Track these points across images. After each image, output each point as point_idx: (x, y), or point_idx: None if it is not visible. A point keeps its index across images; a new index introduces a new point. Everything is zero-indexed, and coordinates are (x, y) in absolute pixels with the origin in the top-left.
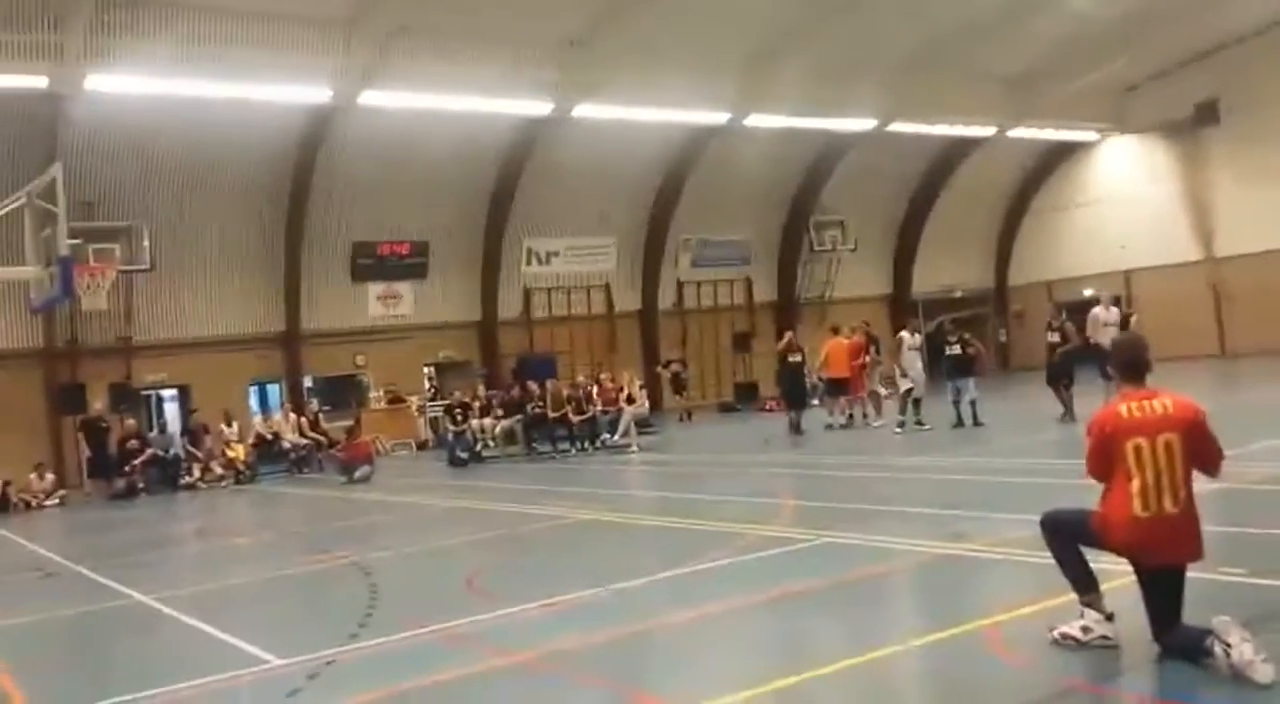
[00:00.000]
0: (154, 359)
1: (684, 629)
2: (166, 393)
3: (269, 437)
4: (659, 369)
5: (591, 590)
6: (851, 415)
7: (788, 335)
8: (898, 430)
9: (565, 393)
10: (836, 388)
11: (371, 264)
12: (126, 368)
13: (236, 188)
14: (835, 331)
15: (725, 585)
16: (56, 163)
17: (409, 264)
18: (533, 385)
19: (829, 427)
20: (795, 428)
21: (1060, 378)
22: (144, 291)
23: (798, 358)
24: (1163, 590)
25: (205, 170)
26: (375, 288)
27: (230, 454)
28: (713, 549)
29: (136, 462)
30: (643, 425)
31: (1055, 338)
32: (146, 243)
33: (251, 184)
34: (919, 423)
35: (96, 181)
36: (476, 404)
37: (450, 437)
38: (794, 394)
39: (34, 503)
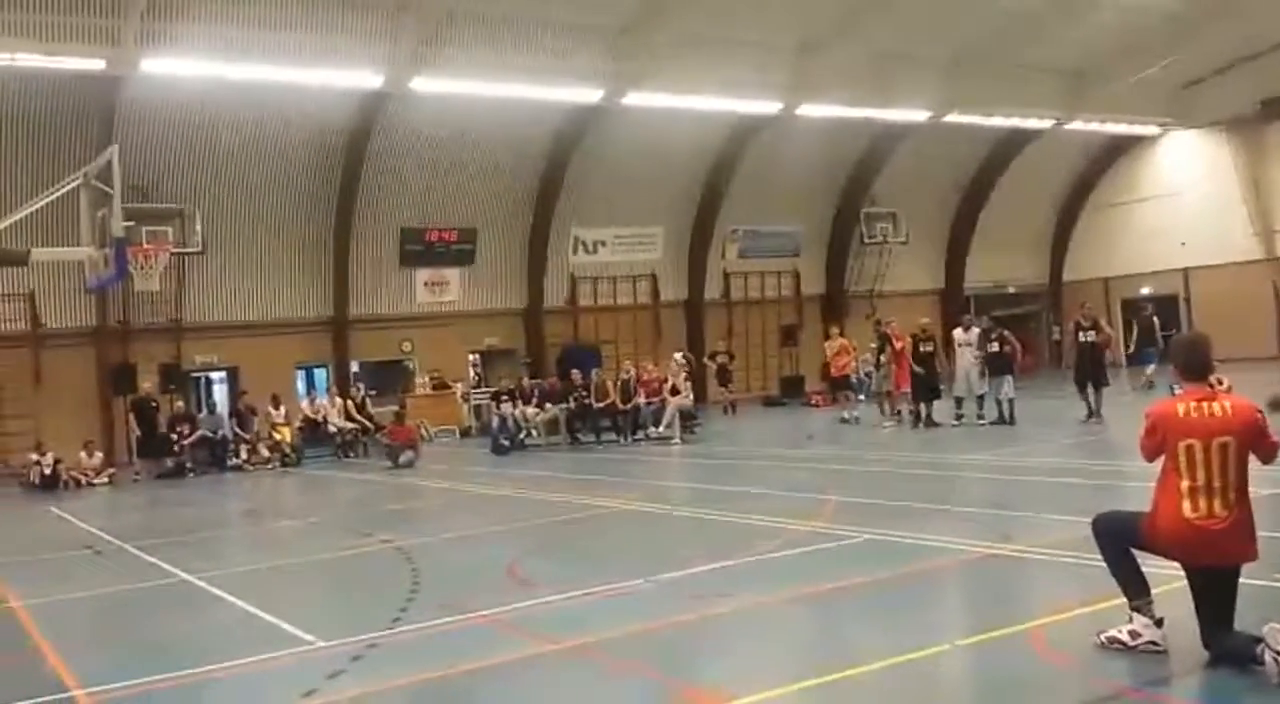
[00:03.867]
0: (204, 341)
1: (725, 622)
2: (215, 375)
3: (316, 420)
4: (705, 360)
5: (633, 580)
6: (900, 413)
7: (925, 322)
8: (953, 424)
9: (610, 382)
10: (836, 384)
11: (419, 250)
12: (176, 349)
13: (287, 173)
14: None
15: (767, 580)
16: (113, 145)
17: (456, 251)
18: (576, 374)
19: (843, 421)
20: (920, 420)
21: (1088, 379)
22: (195, 274)
23: (929, 348)
24: (1213, 594)
25: (257, 155)
26: (422, 274)
27: (277, 436)
28: (755, 543)
29: (185, 442)
30: (687, 418)
31: (1088, 337)
32: (198, 226)
33: (302, 169)
34: (980, 417)
35: (151, 164)
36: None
37: (495, 424)
38: (924, 385)
39: (83, 481)
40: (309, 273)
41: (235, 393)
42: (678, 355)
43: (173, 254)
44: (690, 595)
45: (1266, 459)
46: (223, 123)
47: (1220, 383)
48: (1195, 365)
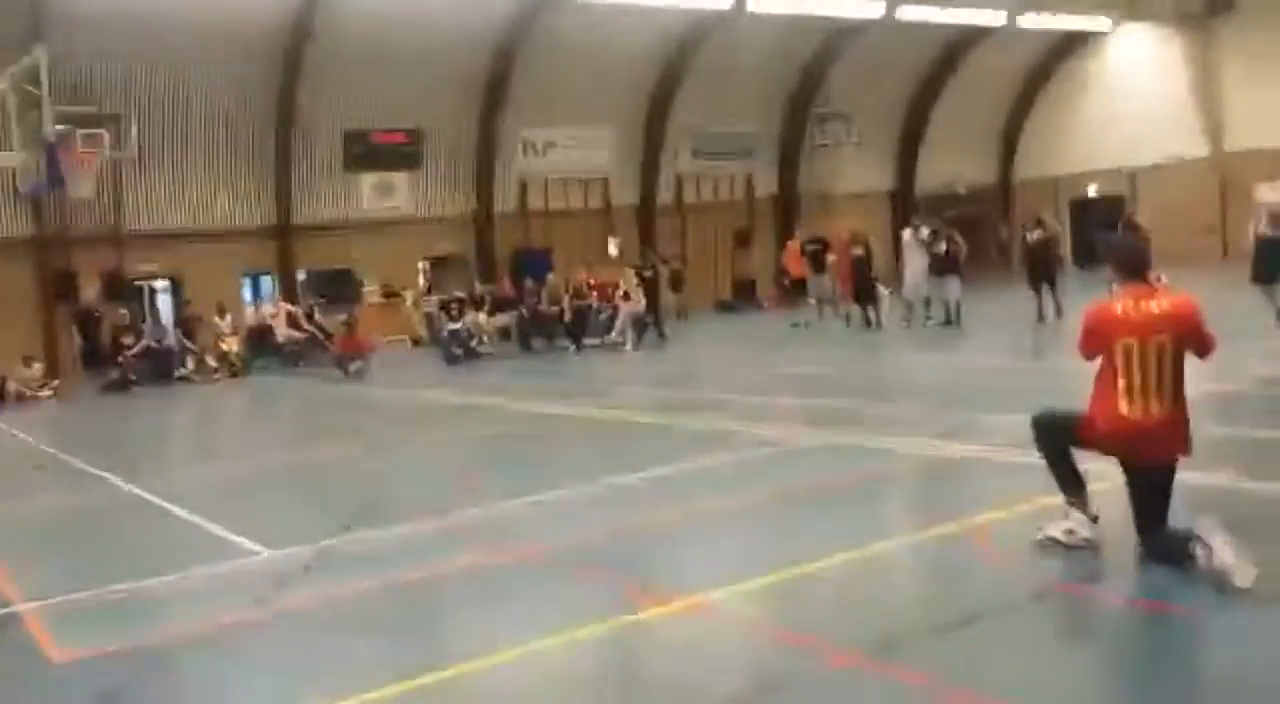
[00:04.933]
0: (146, 249)
1: (679, 525)
2: (159, 284)
3: (263, 329)
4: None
5: (586, 486)
6: (848, 316)
7: (851, 227)
8: (901, 326)
9: (561, 288)
10: (800, 287)
11: (365, 154)
12: (118, 258)
13: (225, 75)
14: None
15: (720, 483)
16: (41, 43)
17: (404, 153)
18: (529, 281)
19: (794, 326)
20: (868, 323)
21: (1042, 278)
22: (134, 180)
23: (860, 252)
24: (1148, 491)
25: (194, 57)
26: (369, 178)
27: (224, 347)
28: (708, 447)
29: (130, 353)
30: (640, 324)
31: (1034, 236)
32: (135, 130)
33: (240, 71)
34: (928, 319)
35: (82, 66)
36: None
37: (445, 333)
38: (860, 288)
39: (26, 394)
40: (251, 178)
41: (180, 302)
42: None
43: (110, 160)
44: (645, 500)
45: (1203, 355)
46: (158, 22)
47: (1159, 280)
48: (1133, 263)
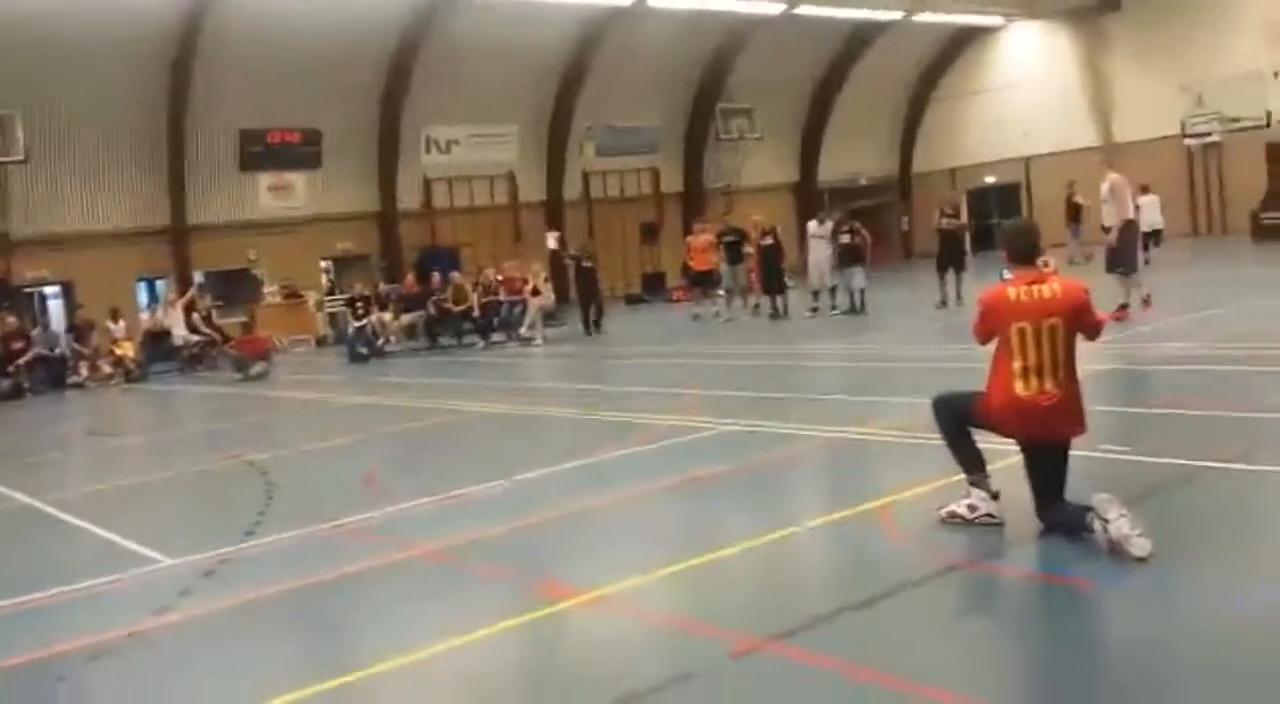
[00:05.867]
0: (34, 255)
1: (587, 518)
2: (49, 290)
3: (159, 333)
4: (566, 260)
5: (493, 483)
6: (757, 306)
7: (755, 219)
8: (807, 315)
9: (469, 285)
10: (703, 280)
11: (260, 153)
12: (5, 264)
13: (114, 73)
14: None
15: (628, 475)
16: None
17: (300, 153)
18: (435, 277)
19: (696, 317)
20: (776, 314)
21: (950, 264)
22: (20, 184)
23: (769, 242)
24: (1045, 468)
25: (80, 55)
26: (265, 178)
27: (119, 352)
28: (616, 440)
29: (20, 361)
30: (549, 318)
31: (948, 225)
32: (20, 132)
33: (129, 69)
34: (833, 308)
35: None
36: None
37: (350, 332)
38: (770, 279)
39: None
40: (144, 179)
41: (72, 308)
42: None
43: None
44: (551, 494)
45: (1092, 336)
46: (45, 22)
47: (1046, 265)
48: (1023, 250)
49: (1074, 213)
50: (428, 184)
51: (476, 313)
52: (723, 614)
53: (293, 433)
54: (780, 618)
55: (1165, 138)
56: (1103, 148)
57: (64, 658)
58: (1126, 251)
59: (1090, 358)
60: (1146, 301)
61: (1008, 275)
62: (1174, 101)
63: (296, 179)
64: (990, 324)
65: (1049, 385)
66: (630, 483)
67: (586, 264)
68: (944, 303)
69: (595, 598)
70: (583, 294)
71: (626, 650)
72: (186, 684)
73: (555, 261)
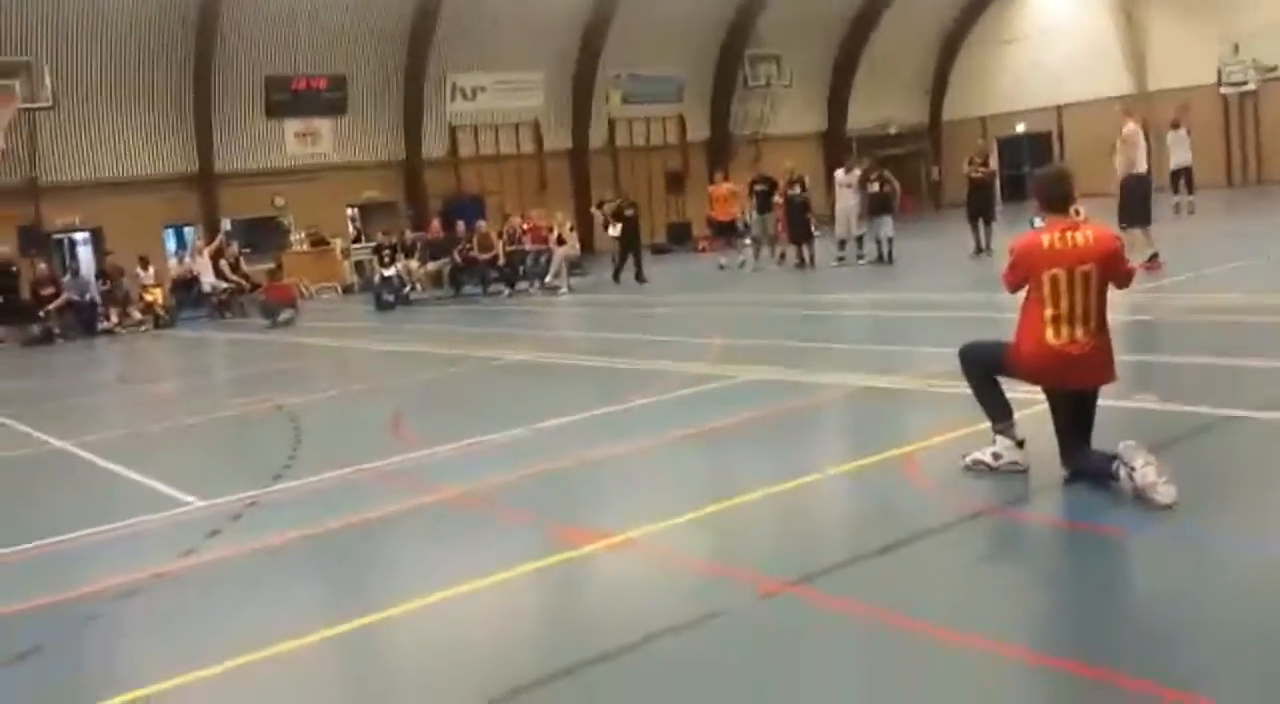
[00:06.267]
0: (64, 201)
1: (610, 464)
2: (79, 236)
3: (188, 279)
4: (594, 209)
5: (518, 430)
6: (783, 255)
7: (788, 166)
8: (834, 265)
9: (494, 233)
10: (726, 229)
11: (287, 100)
12: (35, 210)
13: (141, 19)
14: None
15: (651, 423)
16: None
17: (326, 99)
18: (460, 225)
19: (721, 267)
20: (803, 263)
21: (979, 213)
22: (48, 131)
23: (798, 191)
24: (1072, 416)
25: (107, 1)
26: (292, 125)
27: (148, 298)
28: (640, 388)
29: (51, 307)
30: (574, 267)
31: (979, 174)
32: (47, 79)
33: (156, 15)
34: (860, 258)
35: None
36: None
37: (377, 280)
38: (797, 228)
39: None
40: (171, 127)
41: (101, 254)
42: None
43: (21, 109)
44: (575, 441)
45: (1122, 285)
46: None
47: (1078, 213)
48: (1057, 197)
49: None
50: (453, 132)
51: (502, 261)
52: (748, 558)
53: (321, 379)
54: (806, 561)
55: (1200, 87)
56: (1133, 96)
57: (94, 597)
58: (1131, 205)
59: (1120, 307)
60: (1154, 259)
61: (1039, 223)
62: (1210, 49)
63: (323, 126)
64: (1022, 272)
65: (1080, 333)
66: (654, 431)
67: (629, 213)
68: (978, 250)
69: (620, 542)
70: (625, 244)
71: (652, 592)
72: (213, 624)
73: (582, 211)
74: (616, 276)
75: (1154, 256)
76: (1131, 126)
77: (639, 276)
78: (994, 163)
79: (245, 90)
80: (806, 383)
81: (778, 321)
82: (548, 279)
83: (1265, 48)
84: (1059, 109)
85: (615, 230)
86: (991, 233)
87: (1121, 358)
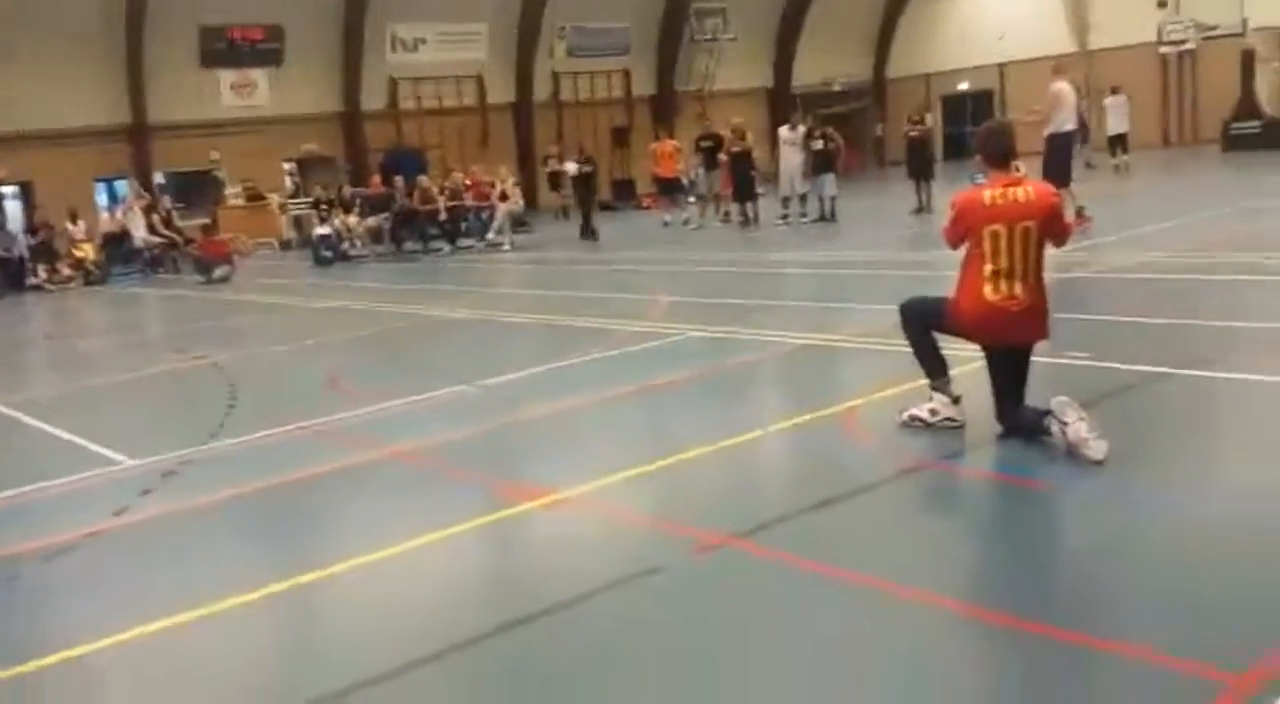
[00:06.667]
0: None
1: (552, 421)
2: (7, 190)
3: (119, 234)
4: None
5: (458, 387)
6: (727, 213)
7: (735, 122)
8: (778, 223)
9: (435, 188)
10: (670, 187)
11: (222, 50)
12: None
13: None
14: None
15: (593, 380)
16: None
17: (262, 50)
18: (399, 180)
19: (666, 224)
20: (747, 221)
21: (920, 171)
22: None
23: (741, 148)
24: (1007, 372)
25: None
26: (227, 76)
27: (78, 254)
28: (582, 345)
29: None
30: (518, 223)
31: (916, 132)
32: None
33: None
34: (803, 215)
35: None
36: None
37: (315, 236)
38: (741, 185)
39: None
40: (102, 76)
41: (30, 209)
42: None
43: None
44: (516, 399)
45: (1059, 242)
46: None
47: (1019, 170)
48: (999, 151)
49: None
50: (394, 84)
51: (443, 216)
52: (688, 514)
53: (257, 336)
54: (745, 516)
55: (1140, 45)
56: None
57: (20, 558)
58: (1053, 165)
59: (1053, 265)
60: (1080, 214)
61: (980, 180)
62: (1150, 8)
63: (259, 77)
64: (963, 227)
65: (1018, 290)
66: (596, 388)
67: (587, 170)
68: (919, 209)
69: (561, 499)
70: (581, 199)
71: (594, 547)
72: (147, 582)
73: (526, 165)
74: (584, 234)
75: (1080, 210)
76: (1059, 85)
77: (588, 232)
78: (930, 121)
79: (179, 39)
80: (748, 340)
81: (721, 279)
82: (490, 235)
83: (1205, 6)
84: (1001, 67)
85: (573, 169)
86: (931, 191)
87: (1056, 315)
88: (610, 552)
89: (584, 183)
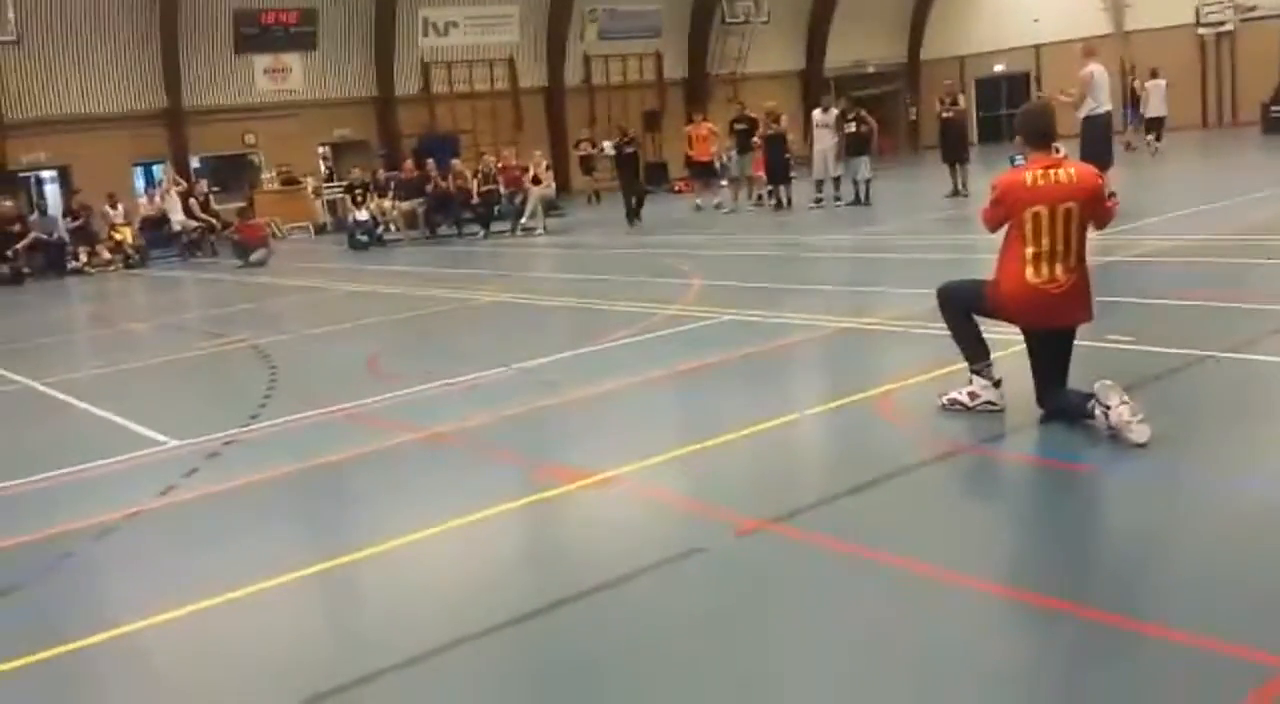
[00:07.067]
0: (30, 138)
1: (589, 404)
2: (46, 175)
3: (158, 218)
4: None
5: (496, 369)
6: (761, 197)
7: (769, 105)
8: (811, 206)
9: (468, 172)
10: (704, 170)
11: (255, 34)
12: (1, 148)
13: None
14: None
15: (630, 363)
16: None
17: (296, 34)
18: (431, 164)
19: (698, 208)
20: (780, 204)
21: (953, 154)
22: (12, 67)
23: (776, 131)
24: (1049, 355)
25: None
26: (261, 60)
27: (117, 237)
28: (618, 329)
29: (19, 246)
30: (551, 207)
31: (949, 113)
32: (10, 13)
33: None
34: (837, 199)
35: None
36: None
37: (350, 220)
38: (775, 169)
39: None
40: (139, 62)
41: (69, 193)
42: (607, 144)
43: None
44: (554, 381)
45: (1101, 224)
46: None
47: (1058, 151)
48: (1040, 132)
49: (1133, 98)
50: (426, 68)
51: (475, 200)
52: (726, 496)
53: (295, 319)
54: (783, 500)
55: (1178, 27)
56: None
57: (70, 536)
58: (1091, 148)
59: (1095, 249)
60: (1110, 198)
61: (1019, 161)
62: None
63: (292, 61)
64: (1004, 209)
65: (1060, 272)
66: (633, 371)
67: (629, 151)
68: (955, 192)
69: (600, 480)
70: (625, 182)
71: (633, 530)
72: (192, 562)
73: (558, 149)
74: (631, 217)
75: (1110, 195)
76: (1090, 67)
77: (638, 214)
78: (964, 102)
79: (213, 25)
80: (784, 323)
81: (756, 263)
82: (524, 220)
83: None
84: (1037, 49)
85: (610, 150)
86: (967, 174)
87: (1098, 298)
88: (650, 534)
89: (627, 165)
